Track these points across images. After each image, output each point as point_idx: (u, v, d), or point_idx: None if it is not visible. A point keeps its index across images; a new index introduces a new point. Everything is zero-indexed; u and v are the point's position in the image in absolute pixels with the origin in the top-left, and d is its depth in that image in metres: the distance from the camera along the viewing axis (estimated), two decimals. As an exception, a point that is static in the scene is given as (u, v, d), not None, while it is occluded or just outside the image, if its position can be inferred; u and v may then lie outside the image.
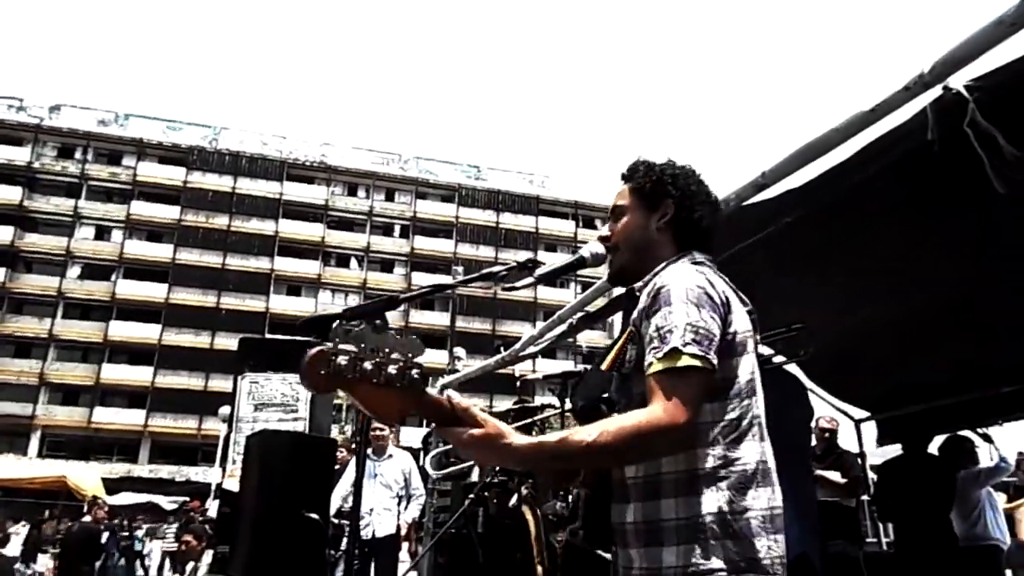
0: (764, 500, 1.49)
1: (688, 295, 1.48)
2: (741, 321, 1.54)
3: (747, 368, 1.54)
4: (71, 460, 32.53)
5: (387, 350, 1.28)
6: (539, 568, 3.07)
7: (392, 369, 1.25)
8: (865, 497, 6.90)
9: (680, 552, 1.41)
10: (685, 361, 1.40)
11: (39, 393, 40.00)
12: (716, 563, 1.40)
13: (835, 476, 6.01)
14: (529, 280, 1.74)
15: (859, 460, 6.46)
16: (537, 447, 1.32)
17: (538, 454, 1.33)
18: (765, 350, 3.47)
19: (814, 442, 6.50)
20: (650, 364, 1.42)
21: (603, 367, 1.60)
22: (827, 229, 3.07)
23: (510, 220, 49.32)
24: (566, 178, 52.50)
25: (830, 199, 2.64)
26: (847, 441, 6.72)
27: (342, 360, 1.23)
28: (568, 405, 3.80)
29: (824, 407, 6.47)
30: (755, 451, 1.51)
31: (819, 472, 6.09)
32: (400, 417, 1.29)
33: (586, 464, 1.50)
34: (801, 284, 3.72)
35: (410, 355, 1.30)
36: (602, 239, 1.74)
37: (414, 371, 1.27)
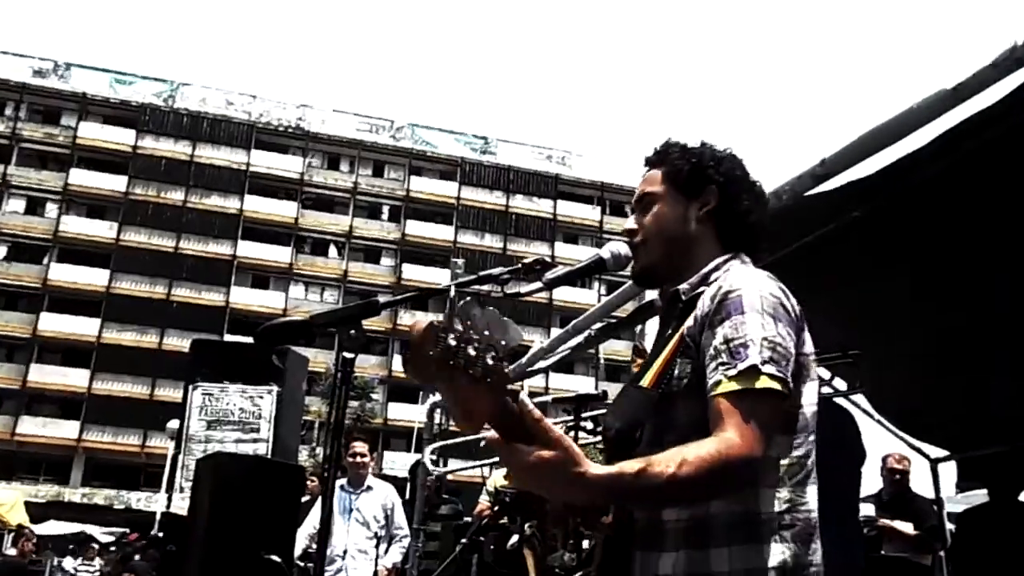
0: (819, 555, 1.52)
1: (763, 304, 1.49)
2: (809, 340, 1.57)
3: (812, 397, 1.56)
4: (-11, 479, 32.84)
5: (486, 332, 1.22)
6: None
7: (489, 359, 1.20)
8: (942, 553, 6.89)
9: None
10: (764, 382, 1.40)
11: (-47, 396, 40.45)
12: None
13: (905, 527, 6.00)
14: (536, 286, 1.76)
15: (935, 508, 6.44)
16: (616, 479, 1.30)
17: (615, 488, 1.31)
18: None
19: (881, 485, 6.51)
20: (718, 383, 1.43)
21: (644, 384, 1.59)
22: (896, 231, 3.07)
23: (523, 204, 49.42)
24: (592, 155, 52.24)
25: (901, 195, 2.65)
26: (921, 484, 6.72)
27: (451, 340, 1.17)
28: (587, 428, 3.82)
29: (893, 443, 6.47)
30: (815, 497, 1.53)
31: (886, 522, 6.08)
32: (488, 422, 1.24)
33: (662, 502, 1.48)
34: (864, 296, 3.73)
35: (505, 343, 1.24)
36: (627, 233, 1.75)
37: (504, 364, 1.22)
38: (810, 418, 1.54)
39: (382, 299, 1.74)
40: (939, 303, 3.73)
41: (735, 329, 1.46)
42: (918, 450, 6.48)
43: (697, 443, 1.36)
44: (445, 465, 7.78)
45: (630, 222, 1.76)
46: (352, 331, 1.69)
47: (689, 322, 1.56)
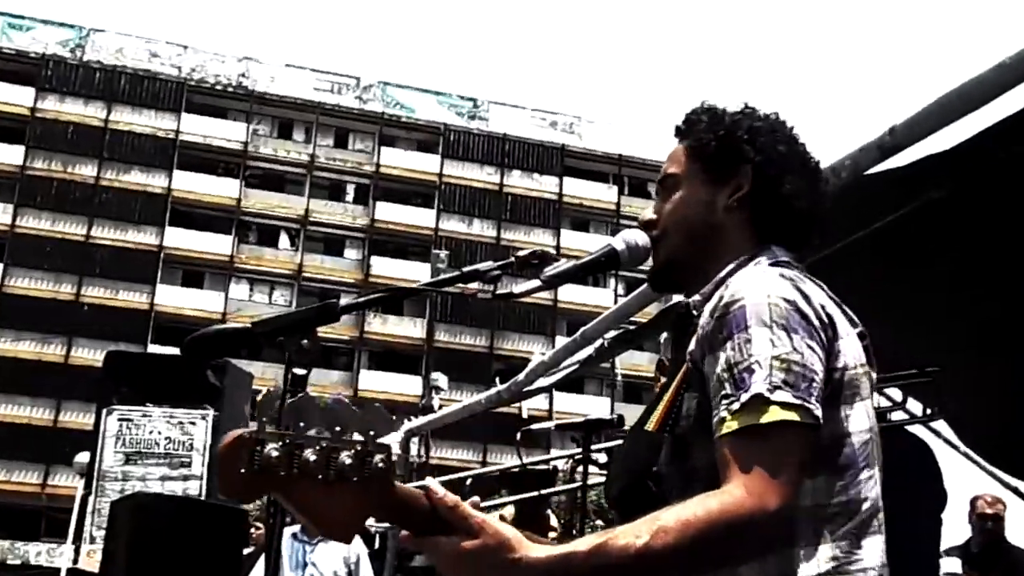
0: None
1: (772, 313, 1.46)
2: (852, 350, 1.54)
3: (862, 421, 1.53)
4: None
5: (338, 428, 1.30)
6: None
7: (346, 457, 1.26)
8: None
9: None
10: (774, 415, 1.38)
11: None
12: None
13: (999, 586, 6.05)
14: (534, 284, 1.76)
15: (1035, 562, 6.48)
16: (561, 561, 1.31)
17: (561, 574, 1.31)
18: (883, 400, 3.50)
19: (969, 533, 6.54)
20: (721, 420, 1.42)
21: (649, 427, 1.59)
22: (986, 218, 3.08)
23: (520, 181, 49.53)
24: (606, 121, 52.25)
25: (993, 171, 2.66)
26: (1018, 532, 6.74)
27: (272, 449, 1.23)
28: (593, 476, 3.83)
29: (983, 481, 6.49)
30: (879, 551, 1.50)
31: (976, 579, 6.12)
32: (355, 529, 1.31)
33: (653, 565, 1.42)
34: (945, 300, 3.74)
35: (372, 433, 1.32)
36: (643, 225, 1.75)
37: (378, 458, 1.29)
38: (858, 448, 1.52)
39: (344, 301, 1.74)
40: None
41: (738, 350, 1.44)
42: (1014, 490, 6.51)
43: (685, 503, 1.35)
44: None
45: (649, 211, 1.76)
46: (304, 341, 1.69)
47: (692, 344, 1.55)
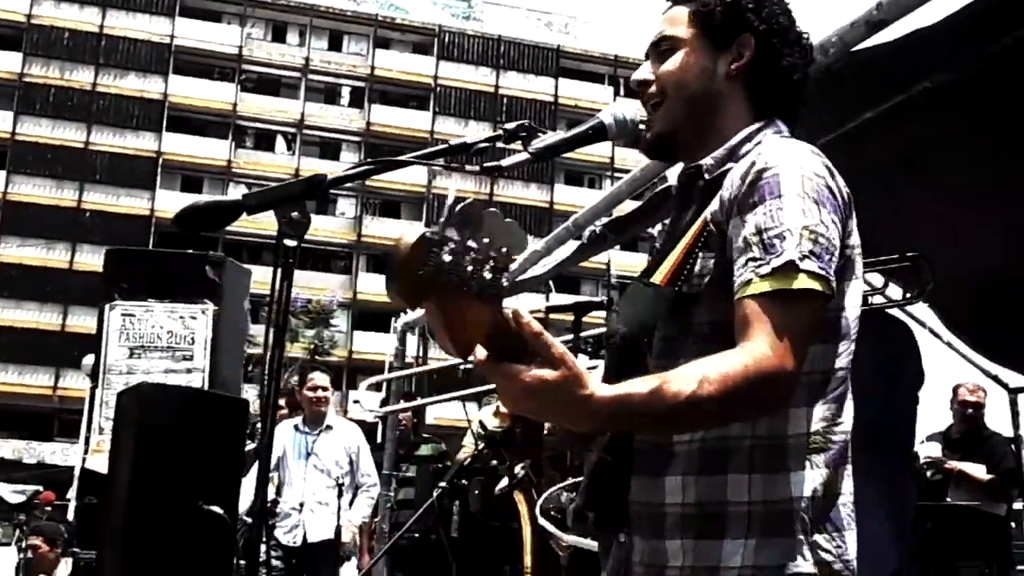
0: (850, 482, 1.57)
1: (805, 185, 1.49)
2: (856, 231, 1.59)
3: (857, 299, 1.60)
4: None
5: (487, 240, 1.25)
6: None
7: (487, 272, 1.22)
8: (1020, 503, 7.06)
9: (751, 548, 1.48)
10: (802, 282, 1.42)
11: None
12: (805, 566, 1.47)
13: (977, 470, 6.14)
14: (522, 157, 1.74)
15: (1013, 447, 6.57)
16: (624, 401, 1.32)
17: (624, 412, 1.34)
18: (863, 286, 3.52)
19: (950, 421, 6.63)
20: (748, 282, 1.44)
21: (657, 280, 1.59)
22: (980, 102, 3.03)
23: (516, 83, 48.95)
24: (601, 22, 51.53)
25: (989, 50, 2.61)
26: (998, 420, 6.84)
27: (446, 254, 1.19)
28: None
29: (964, 370, 6.55)
30: (851, 416, 1.58)
31: (954, 464, 6.22)
32: (471, 350, 1.28)
33: (678, 427, 1.51)
34: (932, 186, 3.72)
35: (507, 250, 1.28)
36: (639, 85, 1.73)
37: (504, 276, 1.25)
38: (852, 324, 1.58)
39: (331, 175, 1.72)
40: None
41: (770, 217, 1.46)
42: (995, 378, 6.58)
43: (720, 356, 1.39)
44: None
45: (644, 71, 1.74)
46: (295, 213, 1.68)
47: (713, 206, 1.57)
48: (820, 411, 1.53)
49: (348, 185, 44.19)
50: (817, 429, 1.52)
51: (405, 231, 1.22)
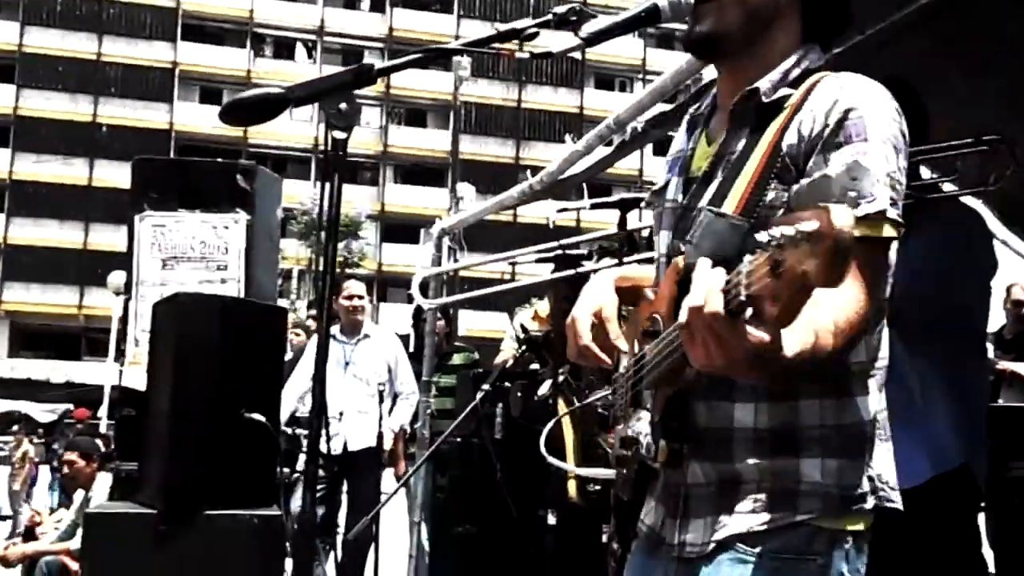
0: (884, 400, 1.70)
1: (888, 130, 1.56)
2: None
3: None
4: None
5: None
6: (572, 485, 3.30)
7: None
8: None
9: (828, 467, 1.59)
10: (889, 231, 1.52)
11: None
12: (865, 484, 1.61)
13: (1030, 370, 6.15)
14: (574, 42, 1.75)
15: (1069, 346, 6.55)
16: (812, 350, 1.39)
17: (808, 356, 1.39)
18: (927, 172, 3.46)
19: (1002, 319, 6.61)
20: None
21: (729, 211, 1.61)
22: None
23: None
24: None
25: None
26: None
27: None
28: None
29: (1021, 270, 6.50)
30: (888, 343, 1.70)
31: (1006, 365, 6.22)
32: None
33: (821, 360, 1.52)
34: (994, 76, 3.65)
35: None
36: None
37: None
38: (894, 256, 1.64)
39: (379, 64, 1.73)
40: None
41: (859, 159, 1.52)
42: (1053, 275, 6.53)
43: (839, 303, 1.44)
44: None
45: None
46: (343, 104, 1.70)
47: (790, 139, 1.59)
48: (874, 340, 1.64)
49: (372, 94, 43.84)
50: (870, 356, 1.64)
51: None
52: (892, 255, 1.58)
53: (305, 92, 1.70)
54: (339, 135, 1.69)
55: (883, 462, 1.64)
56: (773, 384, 1.56)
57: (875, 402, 1.63)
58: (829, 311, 1.42)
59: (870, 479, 1.61)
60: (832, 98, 1.58)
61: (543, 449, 3.07)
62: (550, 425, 3.25)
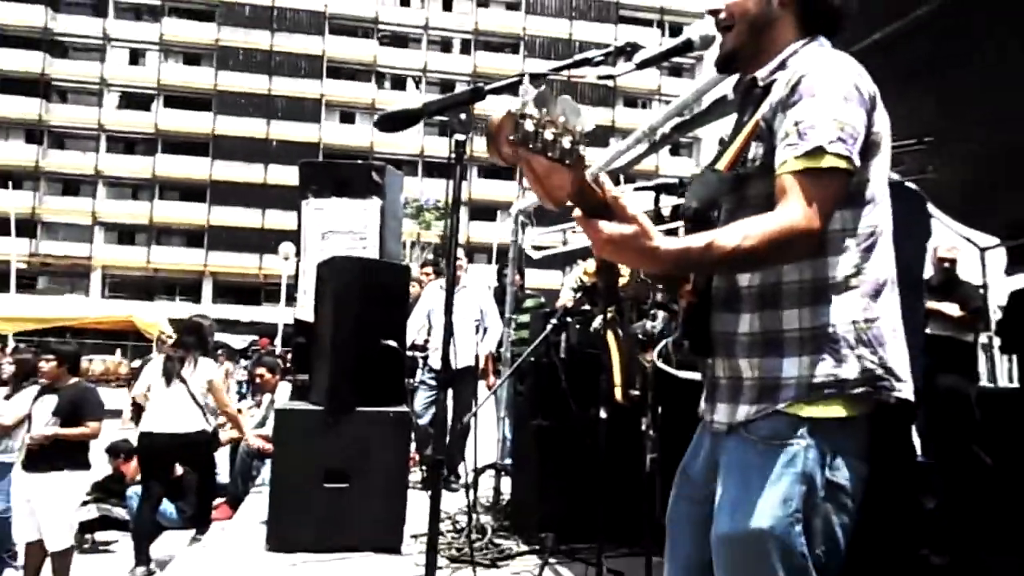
0: (895, 309, 1.55)
1: (836, 85, 1.45)
2: (883, 120, 1.53)
3: (881, 171, 1.54)
4: (134, 300, 34.98)
5: (561, 118, 1.22)
6: (618, 390, 3.32)
7: (565, 142, 1.21)
8: (984, 336, 6.87)
9: (803, 363, 1.47)
10: (829, 161, 1.39)
11: (93, 233, 42.52)
12: (850, 372, 1.46)
13: (951, 308, 5.99)
14: (628, 67, 1.73)
15: (980, 292, 6.38)
16: (684, 252, 1.35)
17: (683, 259, 1.35)
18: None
19: (930, 272, 6.45)
20: (785, 162, 1.42)
21: (720, 167, 1.57)
22: (966, 28, 2.86)
23: (584, 30, 47.07)
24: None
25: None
26: (969, 272, 6.62)
27: (529, 125, 1.17)
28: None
29: (945, 235, 6.33)
30: (886, 263, 1.55)
31: (933, 305, 6.07)
32: (565, 200, 1.29)
33: (726, 271, 1.53)
34: (929, 94, 3.54)
35: (578, 127, 1.25)
36: (711, 12, 1.67)
37: (581, 147, 1.24)
38: (877, 191, 1.53)
39: (492, 86, 1.74)
40: (1009, 101, 3.51)
41: (806, 111, 1.43)
42: (968, 240, 6.36)
43: (759, 217, 1.38)
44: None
45: (718, 0, 1.67)
46: (462, 115, 1.72)
47: (765, 108, 1.53)
48: (853, 258, 1.50)
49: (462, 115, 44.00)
50: (851, 272, 1.49)
51: (495, 110, 1.23)
52: (842, 180, 1.42)
53: (436, 107, 1.72)
54: (459, 138, 1.71)
55: (890, 356, 1.49)
56: (765, 299, 1.51)
57: (858, 307, 1.48)
58: (742, 226, 1.36)
59: (865, 370, 1.46)
60: (793, 69, 1.51)
61: (659, 363, 3.09)
62: (658, 348, 3.23)
